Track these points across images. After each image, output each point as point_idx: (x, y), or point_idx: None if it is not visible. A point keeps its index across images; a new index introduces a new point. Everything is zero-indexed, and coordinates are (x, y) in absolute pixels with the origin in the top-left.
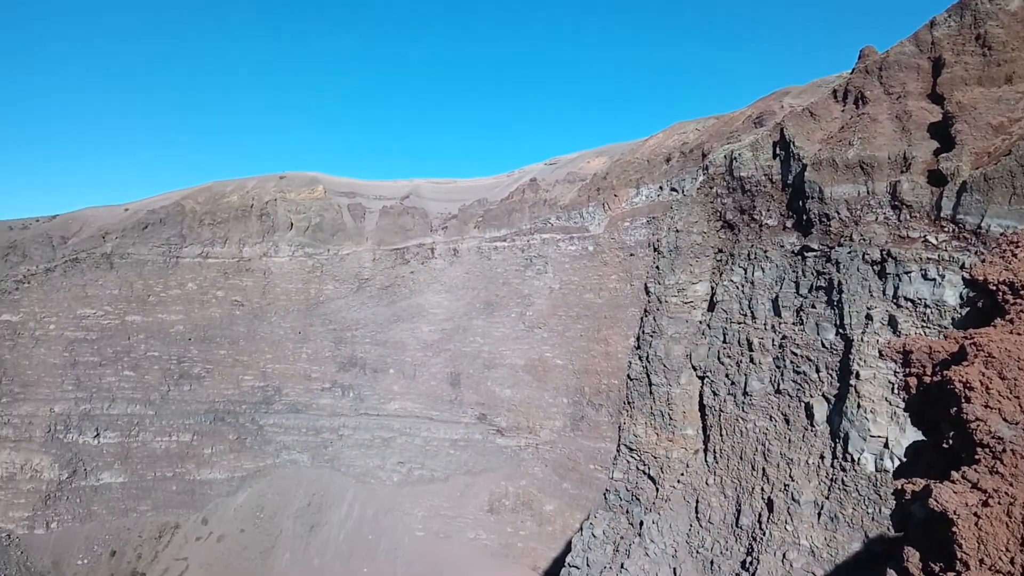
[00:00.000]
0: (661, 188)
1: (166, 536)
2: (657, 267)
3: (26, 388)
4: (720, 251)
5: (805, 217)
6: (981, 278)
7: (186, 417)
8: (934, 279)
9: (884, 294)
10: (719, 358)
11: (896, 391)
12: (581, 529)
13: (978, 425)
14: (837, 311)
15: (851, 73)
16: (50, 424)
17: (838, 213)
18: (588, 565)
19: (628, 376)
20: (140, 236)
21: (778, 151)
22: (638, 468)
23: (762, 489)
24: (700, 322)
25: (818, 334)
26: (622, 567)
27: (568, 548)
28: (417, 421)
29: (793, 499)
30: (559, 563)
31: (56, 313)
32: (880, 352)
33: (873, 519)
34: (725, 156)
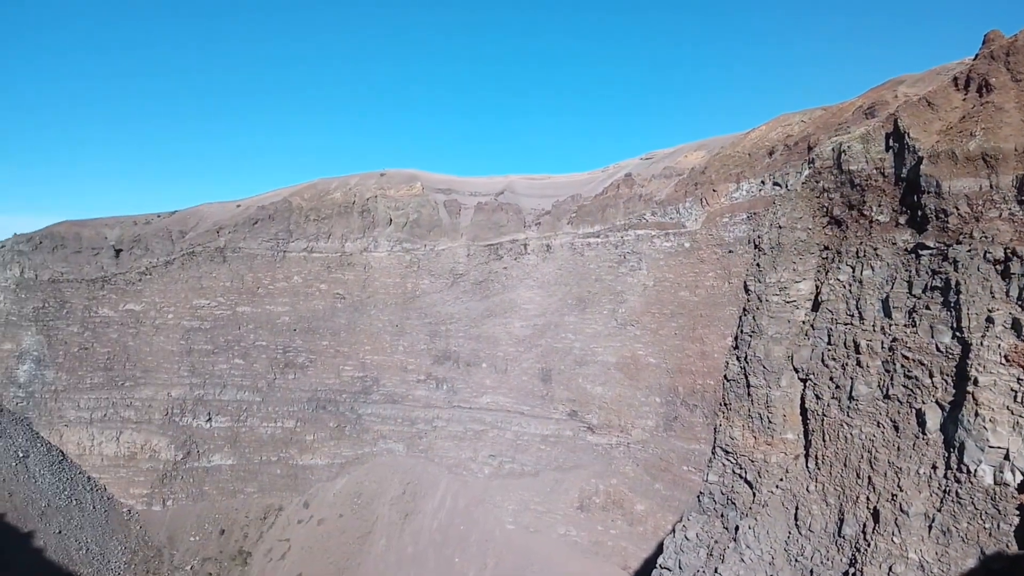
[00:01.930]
0: (763, 182)
1: (270, 517)
2: (758, 264)
3: (147, 373)
4: (826, 248)
5: (920, 213)
6: None
7: (290, 404)
8: None
9: (1008, 296)
10: (823, 360)
11: (1021, 399)
12: (673, 531)
13: None
14: (954, 313)
15: (974, 59)
16: (167, 407)
17: (957, 209)
18: (680, 568)
19: (725, 377)
20: (251, 231)
21: (891, 143)
22: (734, 472)
23: (867, 498)
24: (803, 322)
25: (932, 337)
26: (716, 572)
27: (660, 549)
28: (508, 415)
29: (901, 510)
30: (650, 564)
31: (174, 303)
32: (1006, 357)
33: (991, 535)
34: (833, 149)
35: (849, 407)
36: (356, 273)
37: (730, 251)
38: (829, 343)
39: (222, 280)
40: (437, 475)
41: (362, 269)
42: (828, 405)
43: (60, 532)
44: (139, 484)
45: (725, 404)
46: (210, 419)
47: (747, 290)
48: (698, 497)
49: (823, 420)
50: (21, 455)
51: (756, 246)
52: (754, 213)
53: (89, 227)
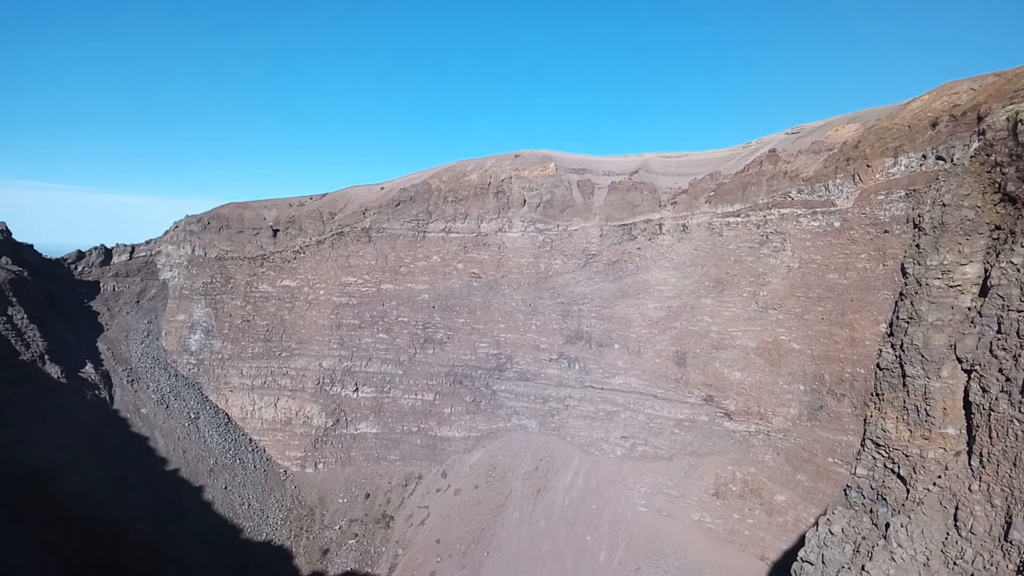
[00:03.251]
0: (924, 157)
1: (411, 485)
2: (917, 246)
3: (301, 345)
4: (998, 228)
5: None
6: None
7: (429, 378)
8: None
9: None
10: (991, 350)
11: None
12: (816, 524)
13: None
14: None
15: None
16: (319, 377)
17: None
18: (824, 563)
19: (877, 365)
20: (393, 212)
21: None
22: (885, 466)
23: None
24: (969, 309)
25: None
26: (863, 569)
27: (801, 542)
28: (641, 397)
29: None
30: (790, 556)
31: (325, 280)
32: None
33: None
34: (1008, 118)
35: (1021, 402)
36: (491, 253)
37: (885, 231)
38: (999, 332)
39: (367, 259)
40: (569, 453)
41: (497, 249)
42: (996, 399)
43: (226, 488)
44: (294, 447)
45: (877, 394)
46: (357, 389)
47: (904, 273)
48: (844, 491)
49: (990, 415)
50: (193, 416)
51: (916, 226)
52: (914, 190)
53: (250, 209)
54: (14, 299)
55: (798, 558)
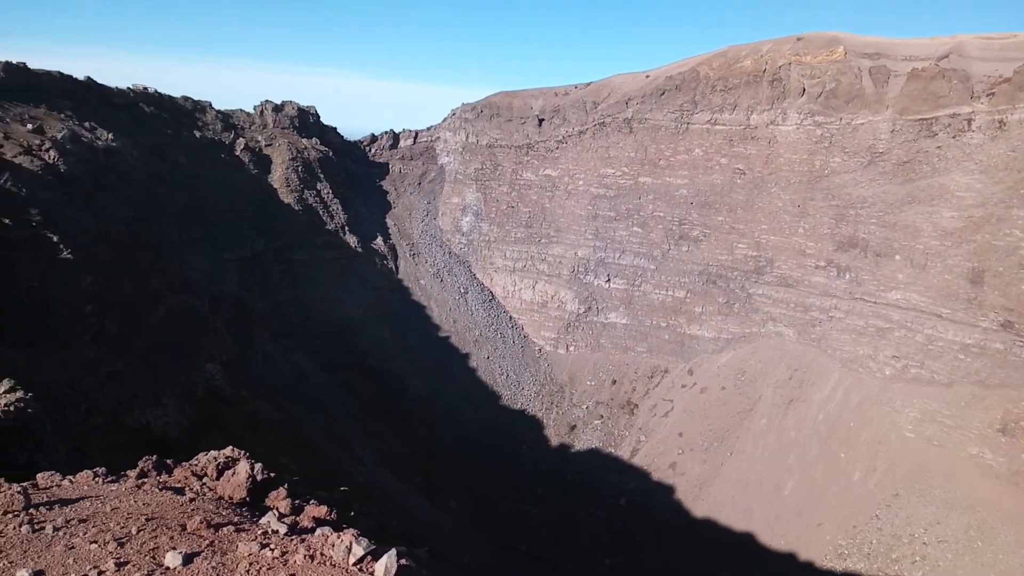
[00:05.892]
0: None
1: (656, 377)
2: None
3: (559, 233)
4: None
5: None
6: None
7: (682, 275)
8: None
9: None
10: None
11: None
12: None
13: None
14: None
15: None
16: (574, 265)
17: None
18: None
19: None
20: (657, 102)
21: None
22: None
23: None
24: None
25: None
26: None
27: None
28: (921, 316)
29: None
30: None
31: (584, 171)
32: None
33: None
34: None
35: None
36: (759, 148)
37: None
38: None
39: (627, 151)
40: (828, 366)
41: (766, 143)
42: None
43: (488, 358)
44: (548, 328)
45: None
46: (609, 280)
47: None
48: None
49: None
50: (463, 291)
51: None
52: None
53: (519, 98)
54: (322, 175)
55: None
